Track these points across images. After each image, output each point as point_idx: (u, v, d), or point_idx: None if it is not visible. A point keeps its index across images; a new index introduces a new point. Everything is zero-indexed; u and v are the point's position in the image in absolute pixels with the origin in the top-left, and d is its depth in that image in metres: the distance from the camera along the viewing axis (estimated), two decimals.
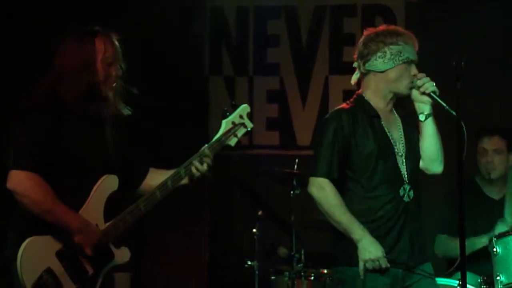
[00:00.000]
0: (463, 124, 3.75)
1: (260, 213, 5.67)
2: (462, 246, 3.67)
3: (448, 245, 5.25)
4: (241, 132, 4.06)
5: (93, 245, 3.70)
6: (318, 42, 6.85)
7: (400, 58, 4.14)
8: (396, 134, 4.16)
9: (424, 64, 6.42)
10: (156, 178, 4.00)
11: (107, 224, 3.79)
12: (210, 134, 4.08)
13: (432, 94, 4.09)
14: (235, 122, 4.04)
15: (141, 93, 3.88)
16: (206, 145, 3.97)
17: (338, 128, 4.07)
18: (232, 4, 6.94)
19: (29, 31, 5.90)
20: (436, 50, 6.18)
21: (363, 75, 4.21)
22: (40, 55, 4.60)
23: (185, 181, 3.95)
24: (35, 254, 3.64)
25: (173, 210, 6.03)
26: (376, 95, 4.17)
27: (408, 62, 4.17)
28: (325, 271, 5.43)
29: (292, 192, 5.51)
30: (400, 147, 4.14)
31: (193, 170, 3.91)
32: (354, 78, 4.25)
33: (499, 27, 6.44)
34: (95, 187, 3.80)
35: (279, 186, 5.79)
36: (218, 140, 4.00)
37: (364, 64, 4.17)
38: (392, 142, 4.12)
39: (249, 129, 4.08)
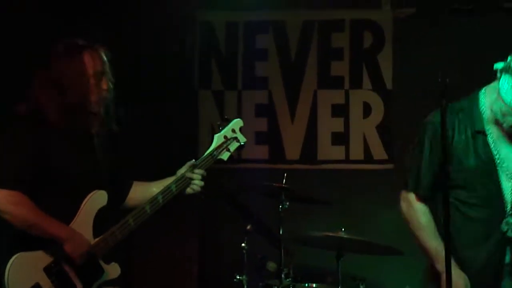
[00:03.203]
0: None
1: (249, 227, 5.67)
2: (448, 264, 3.52)
3: None
4: (233, 146, 4.05)
5: (83, 254, 3.69)
6: (306, 56, 6.86)
7: None
8: (507, 149, 3.69)
9: (412, 79, 6.51)
10: (140, 191, 4.01)
11: (97, 239, 3.79)
12: (200, 147, 4.10)
13: None
14: (227, 136, 4.04)
15: (130, 107, 3.89)
16: (197, 160, 3.97)
17: (435, 136, 3.65)
18: (222, 19, 6.95)
19: (15, 37, 5.87)
20: (424, 65, 6.21)
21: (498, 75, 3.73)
22: (26, 61, 4.57)
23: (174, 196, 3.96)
24: (23, 270, 3.63)
25: (161, 224, 6.02)
26: (490, 107, 3.73)
27: None
28: (314, 285, 5.43)
29: (281, 206, 5.51)
30: (509, 164, 3.66)
31: (185, 186, 3.91)
32: (497, 66, 3.76)
33: (488, 42, 6.47)
34: (84, 203, 3.79)
35: (268, 200, 5.79)
36: (210, 154, 4.00)
37: (500, 73, 3.71)
38: (498, 160, 3.66)
39: (242, 143, 4.07)
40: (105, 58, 3.90)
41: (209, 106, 6.90)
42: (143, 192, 3.99)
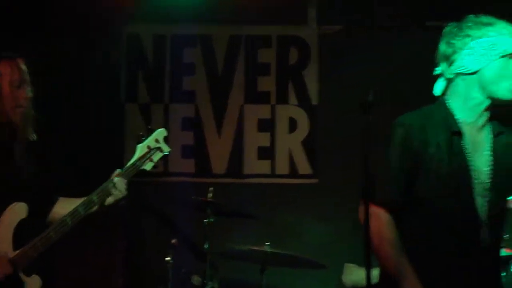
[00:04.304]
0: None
1: (174, 241, 5.65)
2: (368, 276, 3.13)
3: (358, 275, 5.29)
4: (157, 156, 4.03)
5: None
6: (233, 71, 6.89)
7: (495, 52, 3.26)
8: (481, 159, 3.31)
9: (337, 95, 6.59)
10: (66, 206, 3.96)
11: (17, 252, 3.74)
12: (125, 161, 4.06)
13: None
14: (150, 146, 4.03)
15: (55, 120, 3.88)
16: (119, 170, 3.95)
17: (406, 139, 3.28)
18: (149, 32, 6.94)
19: None
20: (349, 81, 6.30)
21: (449, 82, 3.38)
22: None
23: (96, 207, 3.92)
24: None
25: (86, 236, 5.97)
26: (465, 105, 3.34)
27: (508, 56, 3.28)
28: None
29: (206, 220, 5.51)
30: (482, 176, 3.28)
31: (106, 196, 3.88)
32: (439, 87, 3.43)
33: (413, 59, 6.57)
34: (2, 215, 3.74)
35: (193, 214, 5.79)
36: (133, 164, 3.98)
37: (449, 66, 3.35)
38: (472, 170, 3.27)
39: (166, 152, 4.06)
40: (24, 68, 3.88)
41: (135, 119, 6.86)
42: (69, 207, 3.94)
